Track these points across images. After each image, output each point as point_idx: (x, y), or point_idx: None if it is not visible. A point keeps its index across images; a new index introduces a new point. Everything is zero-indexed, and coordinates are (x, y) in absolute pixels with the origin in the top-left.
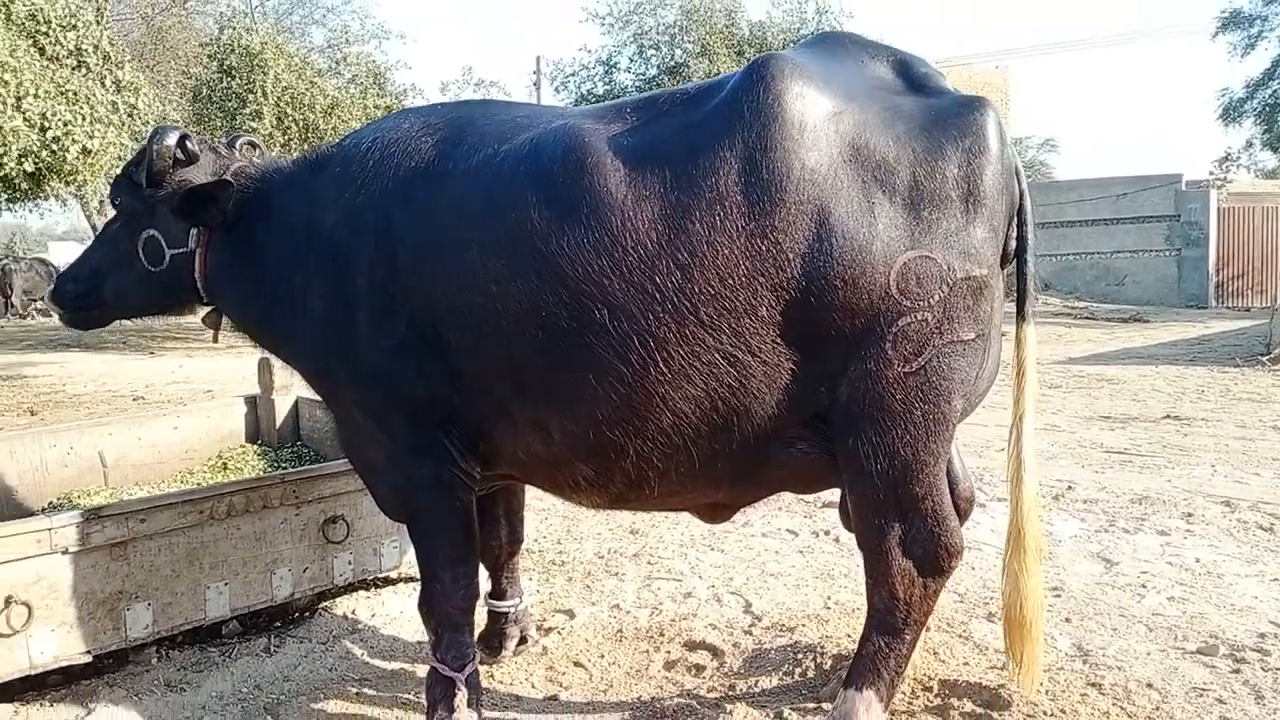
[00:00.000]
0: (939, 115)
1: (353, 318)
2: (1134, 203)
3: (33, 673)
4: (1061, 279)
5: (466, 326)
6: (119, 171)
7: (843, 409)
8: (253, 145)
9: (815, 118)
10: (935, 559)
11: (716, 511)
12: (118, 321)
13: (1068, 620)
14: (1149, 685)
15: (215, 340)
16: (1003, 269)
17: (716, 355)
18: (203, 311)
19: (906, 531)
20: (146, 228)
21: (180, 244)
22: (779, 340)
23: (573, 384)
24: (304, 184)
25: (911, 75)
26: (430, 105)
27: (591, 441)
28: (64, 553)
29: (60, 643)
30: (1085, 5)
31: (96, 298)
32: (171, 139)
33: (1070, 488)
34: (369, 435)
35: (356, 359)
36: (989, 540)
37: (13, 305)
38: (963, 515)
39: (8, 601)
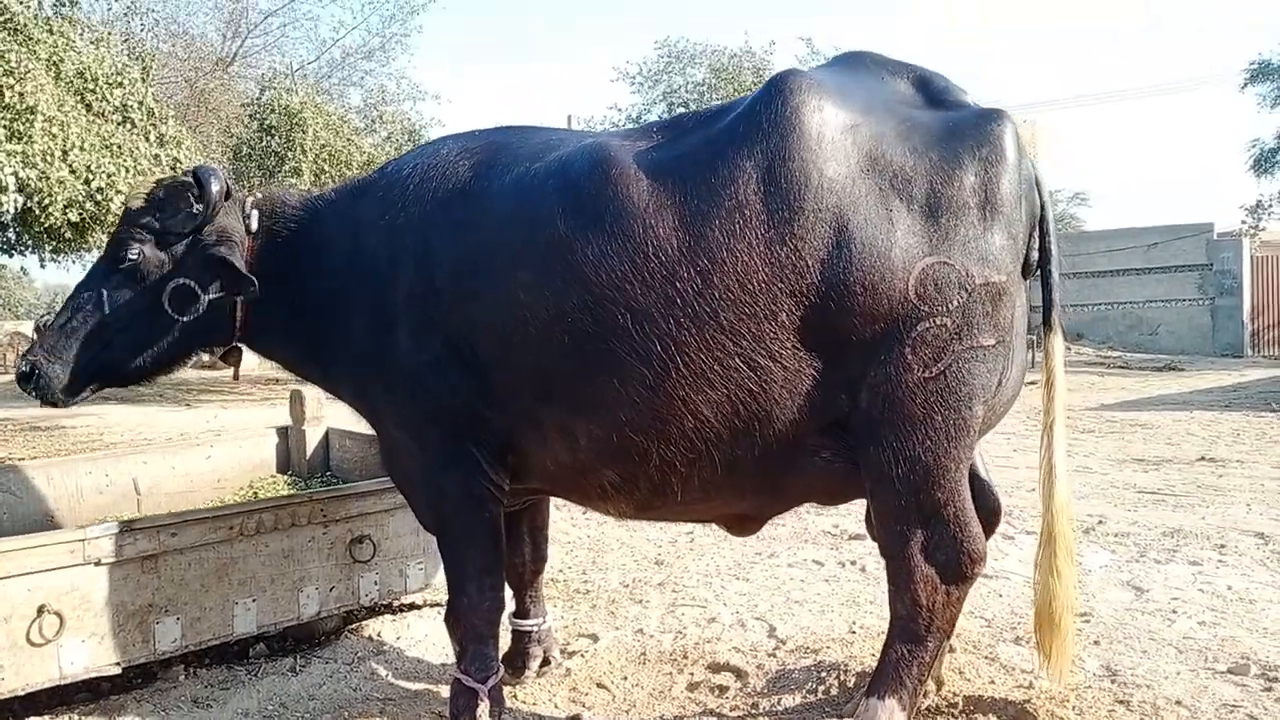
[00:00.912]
0: (956, 127)
1: (392, 336)
2: (1165, 252)
3: (62, 683)
4: (1094, 329)
5: (498, 338)
6: (125, 222)
7: (863, 415)
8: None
9: (832, 130)
10: (958, 565)
11: (743, 524)
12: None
13: (1096, 643)
14: (1178, 702)
15: (236, 378)
16: (1026, 279)
17: (737, 360)
18: (220, 351)
19: (929, 538)
20: (174, 277)
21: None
22: (799, 345)
23: (597, 388)
24: (346, 210)
25: (930, 90)
26: (469, 131)
27: (616, 445)
28: (96, 564)
29: (90, 654)
30: (1112, 58)
31: (96, 369)
32: (221, 180)
33: (1101, 522)
34: (406, 450)
35: (394, 376)
36: (1017, 570)
37: None
38: (989, 528)
39: (40, 611)
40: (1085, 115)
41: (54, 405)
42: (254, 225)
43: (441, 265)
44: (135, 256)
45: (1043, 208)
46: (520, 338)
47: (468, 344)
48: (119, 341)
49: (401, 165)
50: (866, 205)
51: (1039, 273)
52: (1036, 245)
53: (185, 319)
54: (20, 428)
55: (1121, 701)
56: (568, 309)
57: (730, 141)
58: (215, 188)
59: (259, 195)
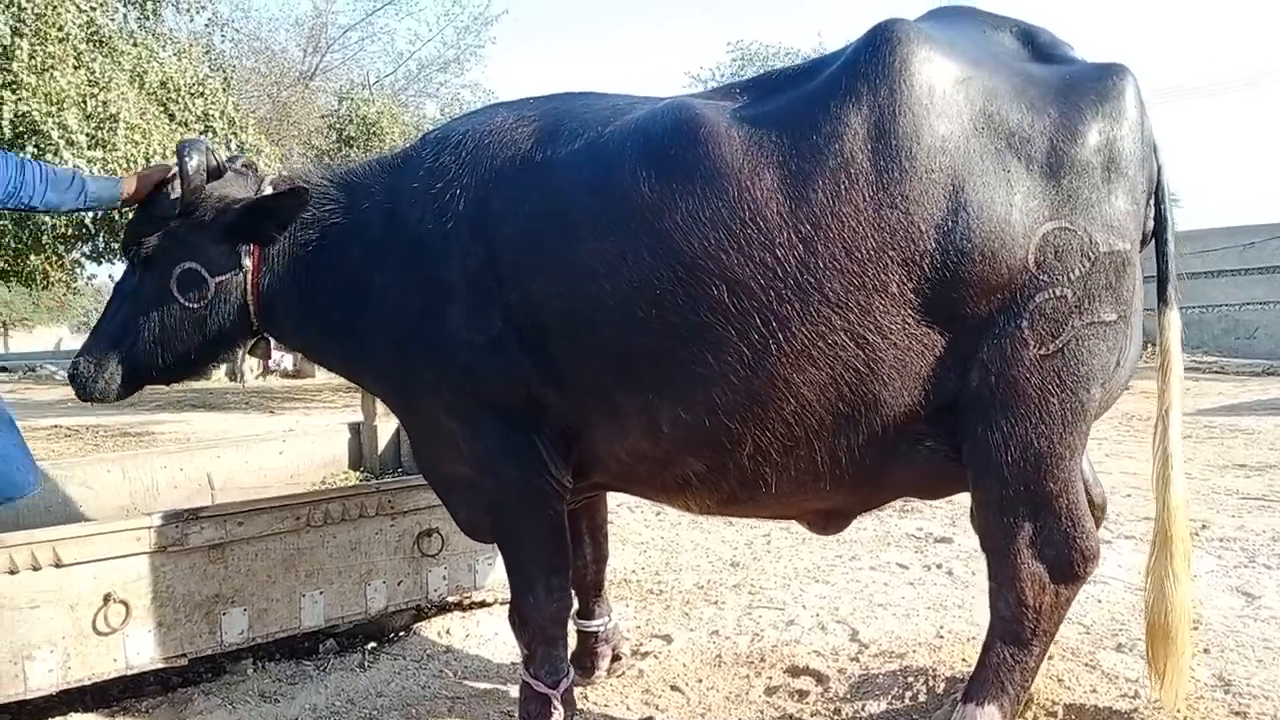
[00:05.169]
0: (1075, 81)
1: (442, 314)
2: (1263, 252)
3: (129, 673)
4: (1187, 333)
5: (570, 315)
6: (136, 214)
7: (972, 395)
8: (250, 166)
9: (944, 82)
10: (1069, 563)
11: (829, 521)
12: (240, 385)
13: (1206, 651)
14: None
15: (265, 372)
16: (1140, 250)
17: (843, 335)
18: (248, 344)
19: (1038, 532)
20: (179, 262)
21: (226, 268)
22: (910, 320)
23: (686, 368)
24: (382, 183)
25: (1037, 44)
26: (521, 99)
27: (707, 430)
28: (163, 552)
29: (157, 644)
30: (1206, 52)
31: (127, 363)
32: (201, 153)
33: (1205, 527)
34: (454, 447)
35: (445, 358)
36: (1116, 575)
37: None
38: (1095, 522)
39: (106, 599)
40: (1173, 110)
41: (93, 400)
42: None
43: (504, 238)
44: (137, 248)
45: (1159, 172)
46: (596, 315)
47: (533, 323)
48: (141, 335)
49: (449, 132)
50: (983, 165)
51: (1154, 242)
52: (1152, 213)
53: (196, 307)
54: (111, 433)
55: (1238, 713)
56: (654, 281)
57: (831, 95)
58: (193, 162)
59: (282, 173)
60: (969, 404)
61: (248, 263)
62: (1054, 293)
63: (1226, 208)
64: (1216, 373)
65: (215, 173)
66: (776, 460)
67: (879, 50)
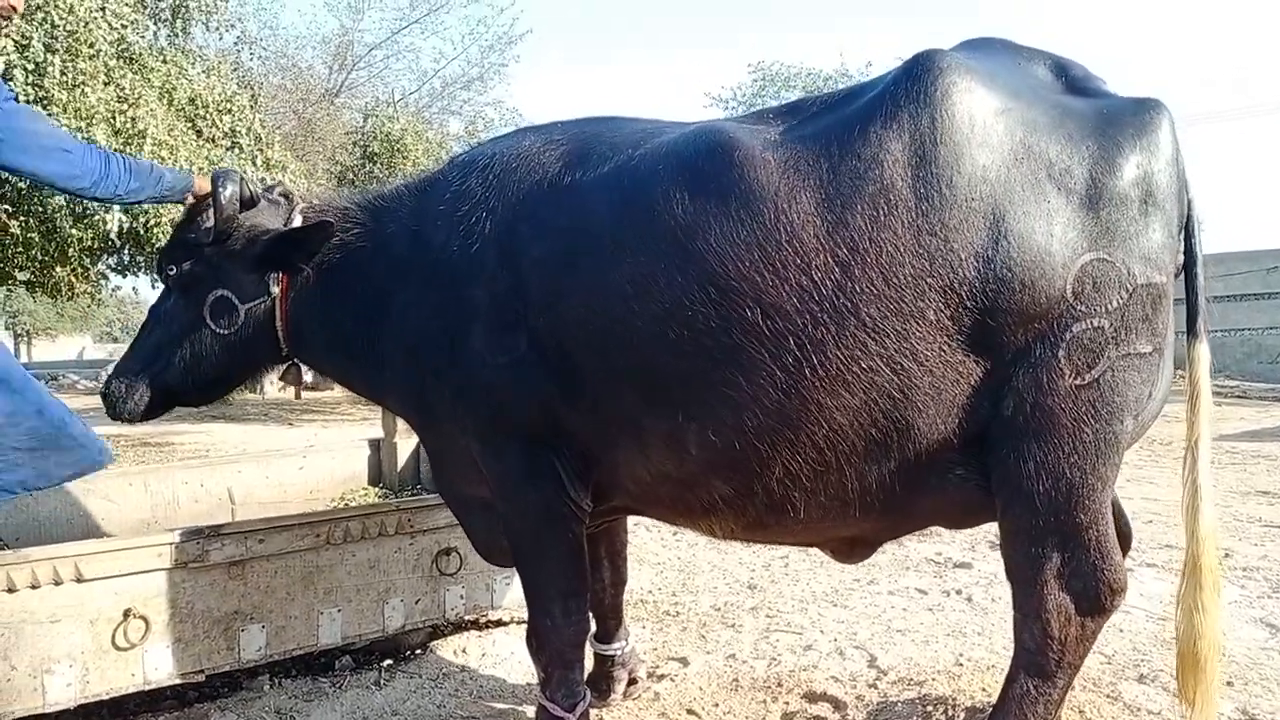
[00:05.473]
0: (1112, 114)
1: (466, 335)
2: None
3: (147, 688)
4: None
5: (597, 337)
6: (169, 240)
7: (1006, 424)
8: (286, 195)
9: (984, 113)
10: (1096, 595)
11: (854, 549)
12: (260, 396)
13: (1230, 684)
14: None
15: (298, 397)
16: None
17: (879, 361)
18: (279, 370)
19: (1066, 563)
20: (212, 289)
21: (255, 295)
22: (946, 347)
23: (718, 391)
24: (408, 206)
25: (1071, 77)
26: (549, 123)
27: (736, 453)
28: (183, 568)
29: (176, 659)
30: (1221, 74)
31: (158, 384)
32: (235, 184)
33: (1228, 555)
34: (473, 468)
35: (467, 379)
36: (1139, 604)
37: None
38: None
39: (126, 614)
40: (1193, 134)
41: (123, 421)
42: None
43: (531, 260)
44: (173, 272)
45: (1189, 206)
46: (625, 336)
47: (558, 344)
48: (173, 359)
49: (476, 156)
50: (1022, 195)
51: (1184, 275)
52: (1183, 247)
53: (227, 333)
54: (131, 443)
55: None
56: (686, 303)
57: (871, 122)
58: (226, 192)
59: (312, 200)
60: (1002, 433)
61: (276, 289)
62: (1091, 323)
63: (1249, 231)
64: (1239, 397)
65: (249, 202)
66: (806, 485)
67: (920, 79)
